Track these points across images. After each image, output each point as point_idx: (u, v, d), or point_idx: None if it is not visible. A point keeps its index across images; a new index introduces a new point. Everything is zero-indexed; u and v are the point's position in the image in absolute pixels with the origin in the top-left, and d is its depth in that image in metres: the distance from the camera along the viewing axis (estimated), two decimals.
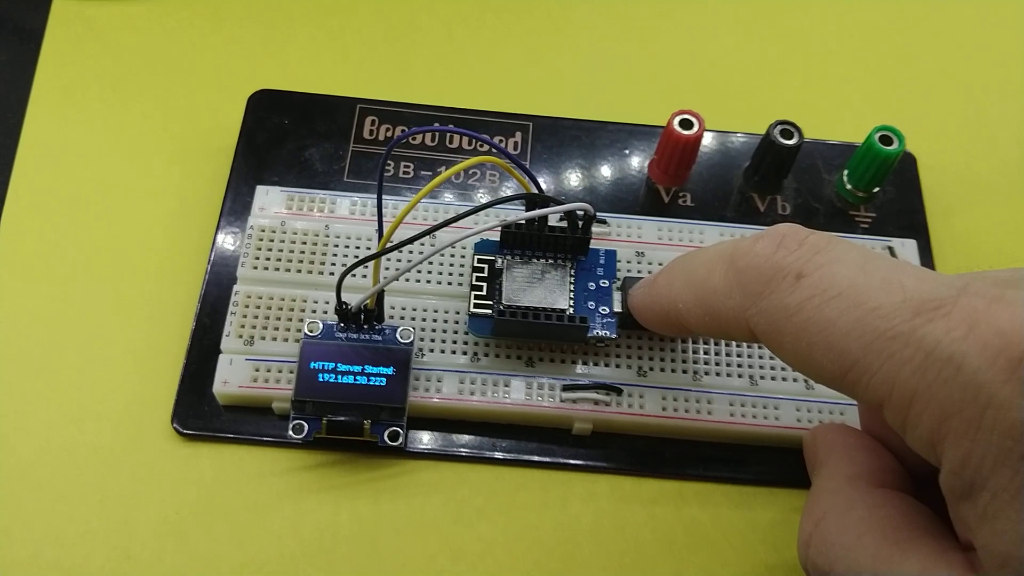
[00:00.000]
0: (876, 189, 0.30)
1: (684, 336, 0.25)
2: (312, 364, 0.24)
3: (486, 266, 0.26)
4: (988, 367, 0.15)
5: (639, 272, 0.27)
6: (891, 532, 0.18)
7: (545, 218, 0.25)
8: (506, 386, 0.25)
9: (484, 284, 0.26)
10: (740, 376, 0.26)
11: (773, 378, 0.26)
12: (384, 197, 0.24)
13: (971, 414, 0.15)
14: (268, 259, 0.27)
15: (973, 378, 0.15)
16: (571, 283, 0.26)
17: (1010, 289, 0.16)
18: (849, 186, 0.30)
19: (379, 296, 0.25)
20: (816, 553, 0.19)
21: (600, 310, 0.26)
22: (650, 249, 0.28)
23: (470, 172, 0.30)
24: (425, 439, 0.26)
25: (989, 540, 0.16)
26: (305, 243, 0.27)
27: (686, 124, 0.28)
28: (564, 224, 0.26)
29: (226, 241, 0.28)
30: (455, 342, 0.26)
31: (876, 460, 0.20)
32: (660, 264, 0.28)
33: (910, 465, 0.20)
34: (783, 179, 0.30)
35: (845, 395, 0.18)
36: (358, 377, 0.25)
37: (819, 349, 0.17)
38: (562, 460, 0.26)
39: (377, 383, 0.24)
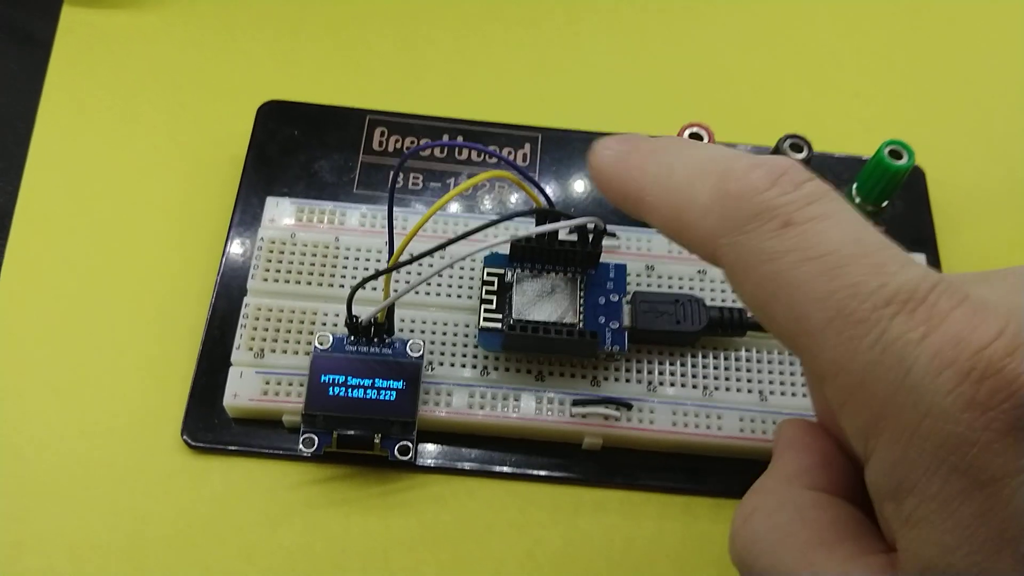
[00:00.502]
0: (885, 203, 0.30)
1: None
2: (323, 377, 0.25)
3: (496, 280, 0.26)
4: (935, 376, 0.15)
5: (648, 286, 0.27)
6: (815, 535, 0.18)
7: (555, 232, 0.25)
8: (516, 400, 0.25)
9: (494, 298, 0.26)
10: (750, 392, 0.26)
11: (783, 394, 0.26)
12: (394, 209, 0.24)
13: (910, 419, 0.15)
14: (278, 271, 0.27)
15: (919, 383, 0.15)
16: (581, 297, 0.26)
17: (982, 286, 0.16)
18: (858, 200, 0.30)
19: (389, 309, 0.25)
20: (742, 547, 0.19)
21: (610, 325, 0.26)
22: (660, 262, 0.28)
23: (478, 184, 0.30)
24: (435, 453, 0.26)
25: (912, 545, 0.16)
26: (315, 255, 0.27)
27: (696, 137, 0.28)
28: (574, 238, 0.26)
29: (236, 253, 0.28)
30: (465, 356, 0.26)
31: (822, 464, 0.19)
32: (670, 278, 0.28)
33: (856, 458, 0.20)
34: None
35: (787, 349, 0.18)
36: (368, 391, 0.25)
37: (780, 304, 0.16)
38: (572, 475, 0.26)
39: (387, 397, 0.25)
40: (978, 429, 0.14)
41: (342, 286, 0.27)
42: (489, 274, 0.26)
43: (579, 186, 0.30)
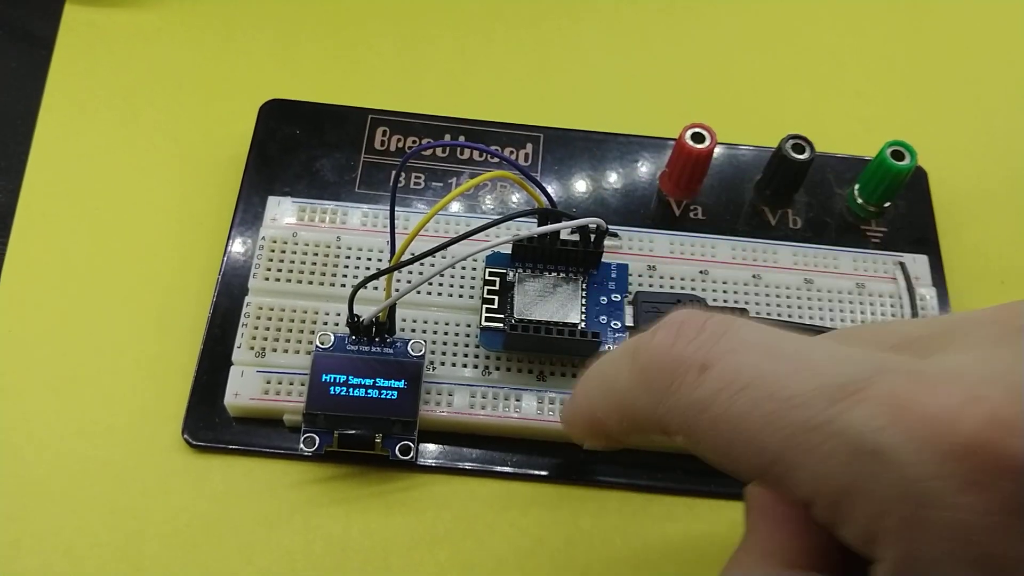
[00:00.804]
0: (887, 204, 0.30)
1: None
2: (324, 377, 0.24)
3: (498, 280, 0.26)
4: (918, 461, 0.14)
5: (650, 286, 0.27)
6: None
7: (557, 232, 0.25)
8: (517, 400, 0.25)
9: (496, 298, 0.26)
10: None
11: None
12: (396, 209, 0.24)
13: (906, 512, 0.14)
14: (279, 270, 0.27)
15: (904, 473, 0.14)
16: (583, 297, 0.26)
17: (929, 357, 0.15)
18: (860, 200, 0.30)
19: (391, 309, 0.25)
20: None
21: (612, 324, 0.26)
22: (661, 263, 0.28)
23: (480, 184, 0.30)
24: (436, 453, 0.25)
25: None
26: (316, 254, 0.27)
27: (698, 137, 0.28)
28: (576, 238, 0.26)
29: (237, 252, 0.28)
30: (466, 356, 0.26)
31: (799, 536, 0.18)
32: (671, 278, 0.28)
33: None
34: (794, 193, 0.30)
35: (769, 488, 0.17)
36: (369, 390, 0.24)
37: (737, 446, 0.16)
38: (573, 475, 0.25)
39: (388, 396, 0.24)
40: (983, 512, 0.13)
41: (343, 285, 0.27)
42: (491, 274, 0.26)
43: (581, 186, 0.30)
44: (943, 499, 0.13)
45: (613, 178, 0.30)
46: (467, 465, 0.25)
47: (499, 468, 0.25)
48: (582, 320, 0.25)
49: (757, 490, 0.19)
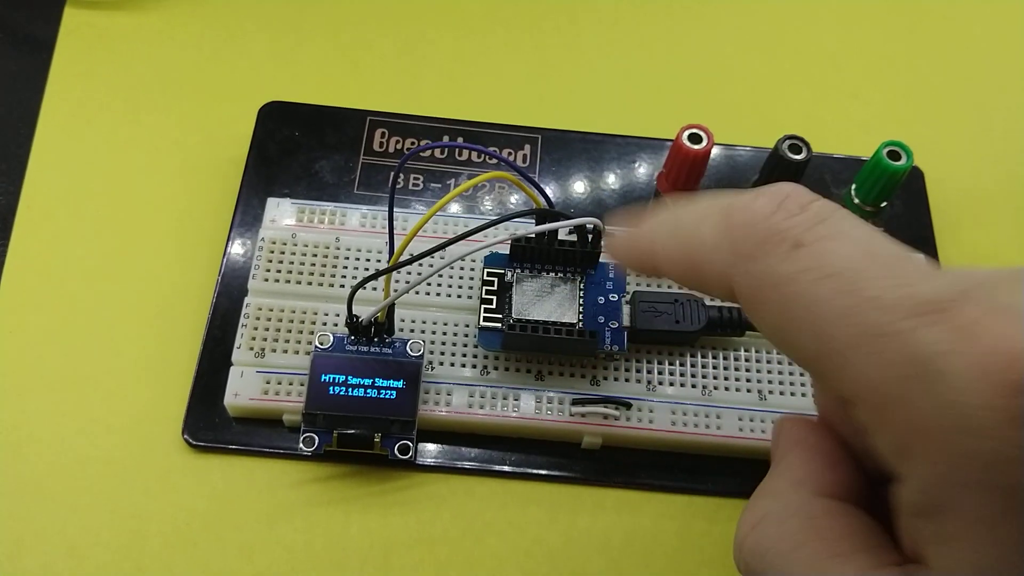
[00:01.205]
0: (884, 204, 0.30)
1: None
2: (323, 377, 0.25)
3: (496, 280, 0.26)
4: (975, 389, 0.14)
5: (647, 286, 0.27)
6: (828, 545, 0.17)
7: (555, 232, 0.26)
8: (515, 400, 0.26)
9: (494, 298, 0.26)
10: (749, 391, 0.26)
11: (782, 393, 0.26)
12: (394, 210, 0.25)
13: (948, 435, 0.14)
14: (279, 271, 0.27)
15: (958, 398, 0.14)
16: (580, 297, 0.26)
17: (1015, 295, 0.15)
18: (857, 200, 0.30)
19: (390, 309, 0.25)
20: (750, 556, 0.18)
21: (609, 324, 0.26)
22: None
23: (478, 185, 0.30)
24: (435, 452, 0.26)
25: (945, 562, 0.15)
26: (316, 255, 0.27)
27: (695, 138, 0.28)
28: (574, 238, 0.26)
29: (237, 253, 0.28)
30: (465, 355, 0.26)
31: (829, 465, 0.19)
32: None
33: (867, 467, 0.19)
34: None
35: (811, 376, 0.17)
36: (368, 390, 0.25)
37: (801, 327, 0.16)
38: (571, 474, 0.26)
39: (387, 396, 0.25)
40: (1020, 446, 0.14)
41: (342, 286, 0.27)
42: (489, 274, 0.26)
43: (579, 186, 0.30)
44: (988, 429, 0.14)
45: (611, 179, 0.30)
46: (466, 464, 0.25)
47: (498, 467, 0.26)
48: (580, 320, 0.26)
49: (789, 423, 0.20)
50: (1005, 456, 0.14)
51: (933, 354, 0.14)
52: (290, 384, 0.25)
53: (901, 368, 0.15)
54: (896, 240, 0.16)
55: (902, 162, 0.28)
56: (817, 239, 0.16)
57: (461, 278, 0.27)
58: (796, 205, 0.17)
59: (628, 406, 0.25)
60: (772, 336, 0.17)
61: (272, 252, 0.27)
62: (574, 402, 0.25)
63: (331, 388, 0.25)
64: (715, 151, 0.31)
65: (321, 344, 0.25)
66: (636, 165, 0.31)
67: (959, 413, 0.14)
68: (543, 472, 0.26)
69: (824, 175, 0.31)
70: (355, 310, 0.24)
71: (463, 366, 0.26)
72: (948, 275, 0.15)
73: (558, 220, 0.24)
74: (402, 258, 0.24)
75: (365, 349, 0.25)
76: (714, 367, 0.26)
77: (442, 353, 0.26)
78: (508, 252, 0.26)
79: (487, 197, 0.30)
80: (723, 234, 0.17)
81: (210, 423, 0.26)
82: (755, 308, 0.17)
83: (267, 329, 0.26)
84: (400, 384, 0.25)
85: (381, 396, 0.25)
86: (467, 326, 0.26)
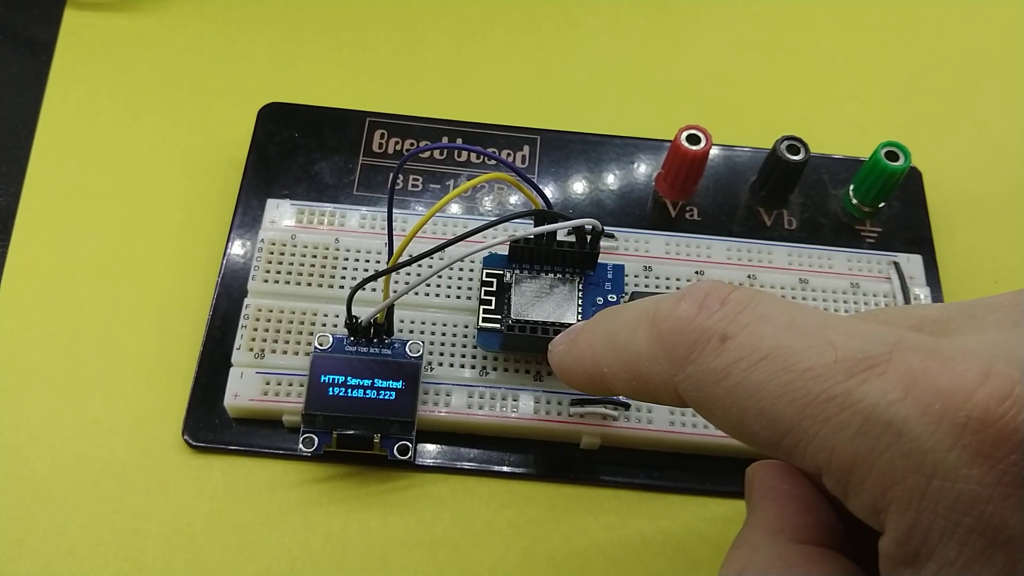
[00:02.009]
0: (882, 204, 0.30)
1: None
2: (322, 378, 0.25)
3: (495, 281, 0.26)
4: (930, 433, 0.14)
5: (647, 286, 0.28)
6: None
7: (553, 233, 0.26)
8: (515, 400, 0.26)
9: (493, 299, 0.26)
10: None
11: None
12: (393, 211, 0.25)
13: (916, 483, 0.14)
14: (278, 272, 0.27)
15: (916, 445, 0.14)
16: (579, 298, 0.26)
17: (945, 337, 0.16)
18: (855, 201, 0.30)
19: (389, 310, 0.25)
20: None
21: None
22: (657, 263, 0.28)
23: (478, 186, 0.30)
24: (434, 453, 0.26)
25: None
26: (315, 256, 0.27)
27: (693, 139, 0.28)
28: (572, 239, 0.26)
29: (236, 254, 0.28)
30: (464, 356, 0.26)
31: (806, 513, 0.19)
32: (667, 278, 0.28)
33: (845, 514, 0.19)
34: (789, 194, 0.30)
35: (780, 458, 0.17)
36: (368, 391, 0.25)
37: (751, 415, 0.16)
38: (570, 474, 0.26)
39: (387, 397, 0.25)
40: (989, 484, 0.14)
41: (342, 287, 0.27)
42: (488, 275, 0.26)
43: (578, 187, 0.30)
44: (952, 471, 0.14)
45: (610, 180, 0.30)
46: (465, 465, 0.26)
47: (497, 467, 0.26)
48: (578, 320, 0.26)
49: (760, 470, 0.20)
50: (975, 496, 0.14)
51: (879, 407, 0.14)
52: (290, 385, 0.25)
53: (854, 427, 0.15)
54: (817, 308, 0.17)
55: (900, 163, 0.28)
56: (741, 328, 0.17)
57: (460, 279, 0.27)
58: (716, 301, 0.17)
59: (626, 406, 0.26)
60: (729, 431, 0.17)
61: (272, 253, 0.27)
62: (573, 403, 0.26)
63: (330, 389, 0.25)
64: (714, 152, 0.31)
65: (320, 345, 0.25)
66: (635, 166, 0.31)
67: (921, 460, 0.14)
68: (542, 472, 0.26)
69: (822, 176, 0.31)
70: (354, 311, 0.25)
71: (462, 367, 0.26)
72: (876, 328, 0.16)
73: (557, 221, 0.24)
74: (401, 259, 0.24)
75: (364, 350, 0.25)
76: None
77: (441, 354, 0.26)
78: (507, 253, 0.26)
79: (487, 198, 0.30)
80: (656, 344, 0.18)
81: (210, 424, 0.26)
82: (704, 408, 0.17)
83: (267, 330, 0.26)
84: (399, 385, 0.25)
85: (380, 397, 0.25)
86: (466, 327, 0.27)
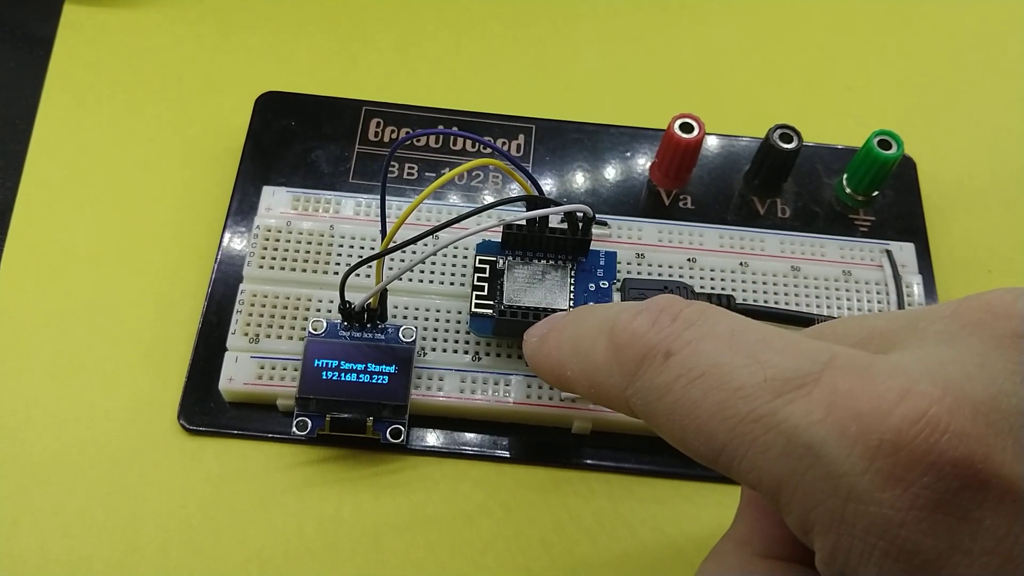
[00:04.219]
0: (875, 193, 0.30)
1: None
2: (316, 362, 0.25)
3: (488, 267, 0.26)
4: (846, 456, 0.14)
5: (639, 273, 0.28)
6: None
7: (546, 220, 0.26)
8: (507, 385, 0.26)
9: (485, 284, 0.26)
10: None
11: None
12: (388, 198, 0.25)
13: (834, 506, 0.14)
14: (274, 259, 0.27)
15: (832, 468, 0.14)
16: (571, 284, 0.26)
17: (885, 352, 0.16)
18: (848, 190, 0.30)
19: (382, 295, 0.25)
20: None
21: None
22: (650, 251, 0.28)
23: (473, 173, 0.30)
24: (427, 437, 0.26)
25: None
26: (310, 243, 0.28)
27: (687, 128, 0.28)
28: (565, 226, 0.26)
29: (233, 241, 0.28)
30: (457, 341, 0.26)
31: (778, 527, 0.19)
32: (660, 266, 0.28)
33: None
34: (783, 182, 0.30)
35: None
36: (361, 375, 0.25)
37: (690, 432, 0.16)
38: (562, 458, 0.26)
39: (380, 381, 0.25)
40: (902, 508, 0.14)
41: (336, 273, 0.27)
42: (481, 261, 0.26)
43: (573, 176, 0.30)
44: (867, 494, 0.14)
45: (604, 168, 0.31)
46: (457, 448, 0.26)
47: (489, 451, 0.26)
48: (570, 306, 0.26)
49: None
50: (889, 520, 0.14)
51: (800, 428, 0.14)
52: (284, 369, 0.26)
53: (777, 449, 0.15)
54: (764, 325, 0.17)
55: (893, 151, 0.29)
56: (684, 345, 0.17)
57: (454, 265, 0.28)
58: (668, 317, 0.17)
59: None
60: (676, 445, 0.17)
61: (267, 240, 0.27)
62: None
63: (324, 373, 0.25)
64: (708, 141, 0.31)
65: (315, 330, 0.25)
66: (629, 155, 0.31)
67: (837, 483, 0.14)
68: (534, 456, 0.26)
69: (816, 164, 0.31)
70: (348, 296, 0.25)
71: (455, 352, 0.26)
72: (814, 346, 0.16)
73: (548, 207, 0.25)
74: (393, 243, 0.24)
75: (358, 335, 0.25)
76: None
77: (434, 339, 0.26)
78: (500, 239, 0.26)
79: (484, 187, 0.30)
80: (612, 356, 0.18)
81: (205, 408, 0.26)
82: (652, 422, 0.18)
83: (262, 315, 0.26)
84: (392, 369, 0.25)
85: (373, 381, 0.25)
86: (459, 312, 0.27)
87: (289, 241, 0.28)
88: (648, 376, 0.17)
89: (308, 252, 0.27)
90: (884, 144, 0.29)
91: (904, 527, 0.14)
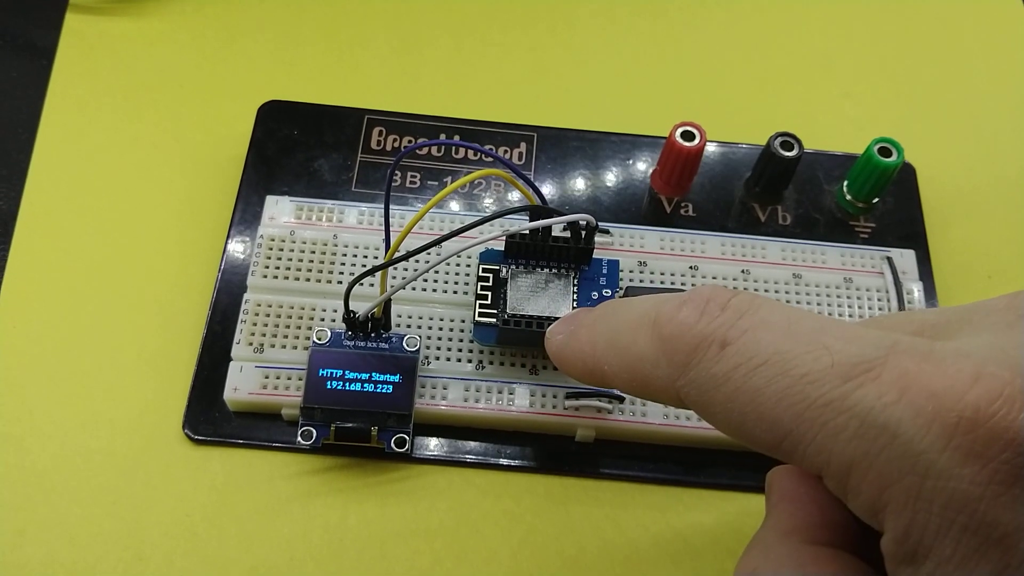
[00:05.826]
0: (875, 200, 0.30)
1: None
2: (320, 371, 0.25)
3: (491, 276, 0.26)
4: (924, 434, 0.14)
5: (641, 281, 0.28)
6: None
7: (549, 228, 0.26)
8: (510, 394, 0.26)
9: (489, 293, 0.26)
10: None
11: None
12: (391, 207, 0.25)
13: (911, 483, 0.15)
14: (277, 268, 0.27)
15: (910, 447, 0.14)
16: (574, 292, 0.26)
17: (939, 340, 0.16)
18: (849, 197, 0.30)
19: (386, 305, 0.25)
20: None
21: None
22: (652, 259, 0.28)
23: (475, 182, 0.30)
24: (431, 445, 0.26)
25: None
26: (314, 252, 0.28)
27: (688, 136, 0.29)
28: (567, 234, 0.26)
29: (236, 250, 0.28)
30: (460, 350, 0.27)
31: (819, 514, 0.19)
32: (662, 273, 0.28)
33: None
34: (784, 190, 0.31)
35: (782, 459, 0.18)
36: (365, 384, 0.25)
37: (751, 419, 0.17)
38: (566, 467, 0.26)
39: (384, 390, 0.25)
40: (981, 483, 0.14)
41: (340, 283, 0.27)
42: (484, 270, 0.26)
43: (574, 184, 0.31)
44: (945, 470, 0.14)
45: (606, 176, 0.31)
46: (461, 457, 0.26)
47: (493, 460, 0.26)
48: None
49: (778, 474, 0.20)
50: (968, 495, 0.14)
51: (875, 410, 0.15)
52: (288, 379, 0.26)
53: (850, 431, 0.15)
54: (814, 313, 0.17)
55: (893, 158, 0.29)
56: (741, 334, 0.17)
57: (457, 274, 0.28)
58: (717, 307, 0.18)
59: (621, 399, 0.26)
60: (731, 433, 0.18)
61: (271, 249, 0.28)
62: (568, 396, 0.26)
63: (329, 383, 0.25)
64: (709, 148, 0.31)
65: (319, 339, 0.25)
66: (631, 162, 0.31)
67: (915, 461, 0.15)
68: (538, 464, 0.26)
69: (816, 171, 0.31)
70: (352, 306, 0.25)
71: (459, 361, 0.26)
72: (872, 333, 0.16)
73: (551, 217, 0.25)
74: (398, 254, 0.24)
75: (362, 344, 0.26)
76: None
77: (438, 348, 0.27)
78: (503, 248, 0.26)
79: (486, 195, 0.30)
80: (658, 348, 0.18)
81: (210, 417, 0.26)
82: (706, 411, 0.18)
83: (266, 325, 0.26)
84: (396, 378, 0.25)
85: (378, 390, 0.25)
86: (463, 321, 0.27)
87: (293, 250, 0.28)
88: (703, 366, 0.17)
89: (312, 261, 0.28)
90: (884, 151, 0.29)
91: (983, 501, 0.14)
